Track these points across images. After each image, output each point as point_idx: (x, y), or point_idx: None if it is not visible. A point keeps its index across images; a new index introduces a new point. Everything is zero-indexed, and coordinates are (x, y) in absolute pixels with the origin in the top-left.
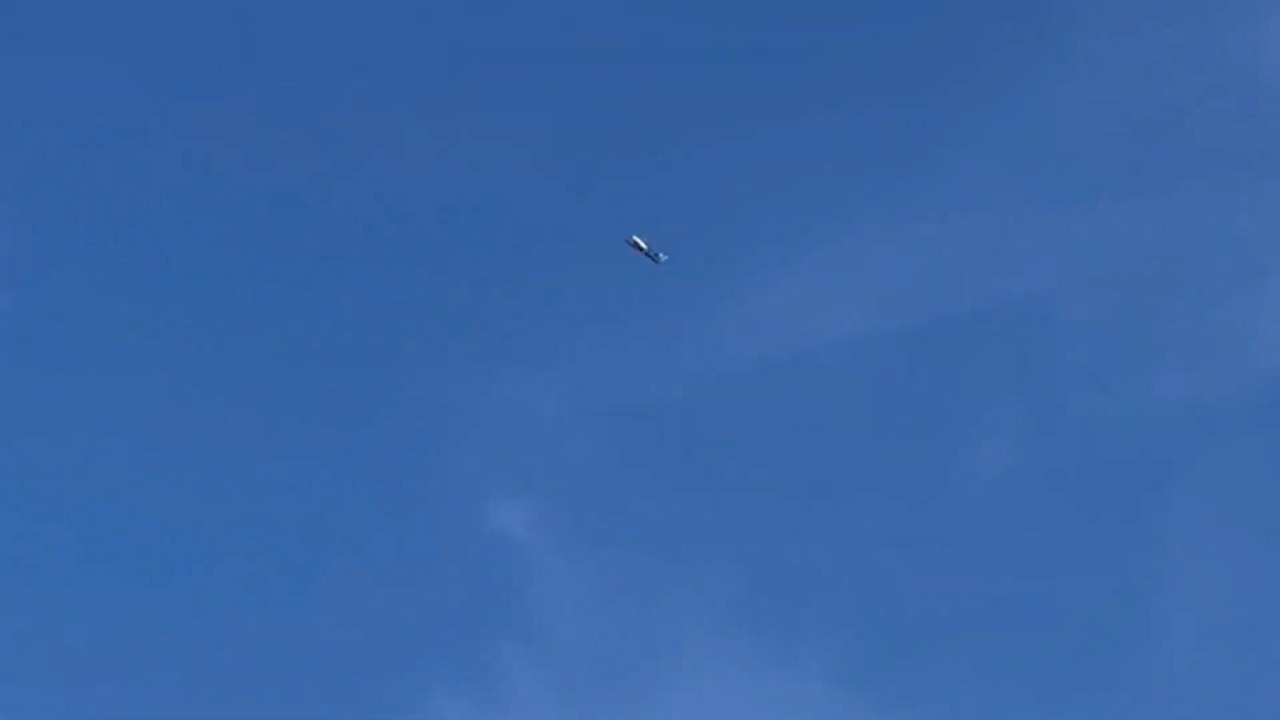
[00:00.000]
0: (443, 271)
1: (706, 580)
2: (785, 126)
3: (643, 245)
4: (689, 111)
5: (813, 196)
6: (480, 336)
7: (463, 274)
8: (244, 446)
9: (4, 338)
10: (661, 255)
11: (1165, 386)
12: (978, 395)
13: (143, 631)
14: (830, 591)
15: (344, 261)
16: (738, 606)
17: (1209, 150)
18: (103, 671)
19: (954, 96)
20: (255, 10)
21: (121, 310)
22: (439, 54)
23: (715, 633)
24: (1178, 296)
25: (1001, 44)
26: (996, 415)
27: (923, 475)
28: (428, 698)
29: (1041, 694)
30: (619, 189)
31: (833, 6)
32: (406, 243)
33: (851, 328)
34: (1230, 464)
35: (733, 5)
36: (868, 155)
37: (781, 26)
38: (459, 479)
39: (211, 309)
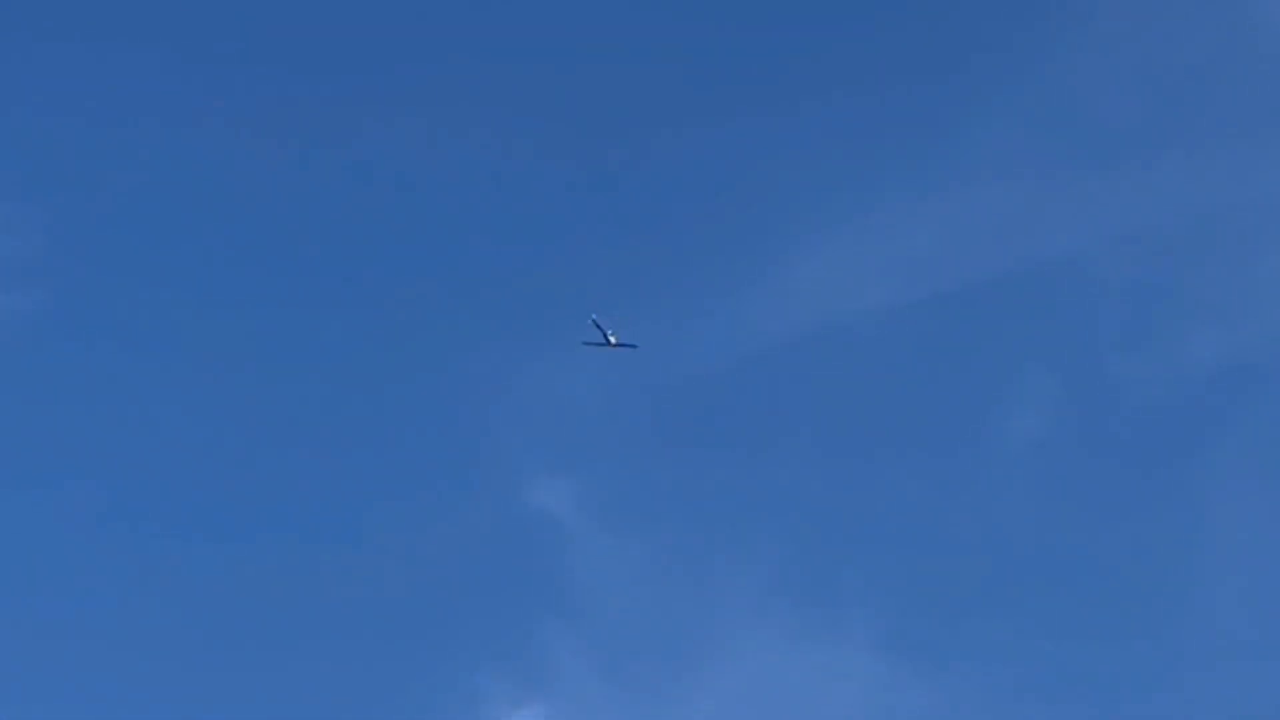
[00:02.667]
0: (478, 252)
1: (748, 552)
2: (812, 102)
3: (603, 330)
4: (719, 88)
5: (841, 169)
6: (516, 316)
7: (499, 254)
8: (282, 433)
9: (36, 332)
10: (611, 338)
11: (1200, 345)
12: (1013, 360)
13: (190, 612)
14: (872, 558)
15: (380, 245)
16: (780, 577)
17: (1234, 108)
18: (152, 663)
19: (974, 67)
20: (277, 9)
21: (153, 303)
22: (475, 37)
23: (759, 604)
24: (1209, 256)
25: (1023, 11)
26: (1032, 379)
27: (961, 441)
28: (473, 677)
29: (1085, 653)
30: (652, 167)
31: None
32: (443, 226)
33: (884, 297)
34: (1268, 421)
35: None
36: (895, 127)
37: (805, 3)
38: (499, 459)
39: (245, 299)
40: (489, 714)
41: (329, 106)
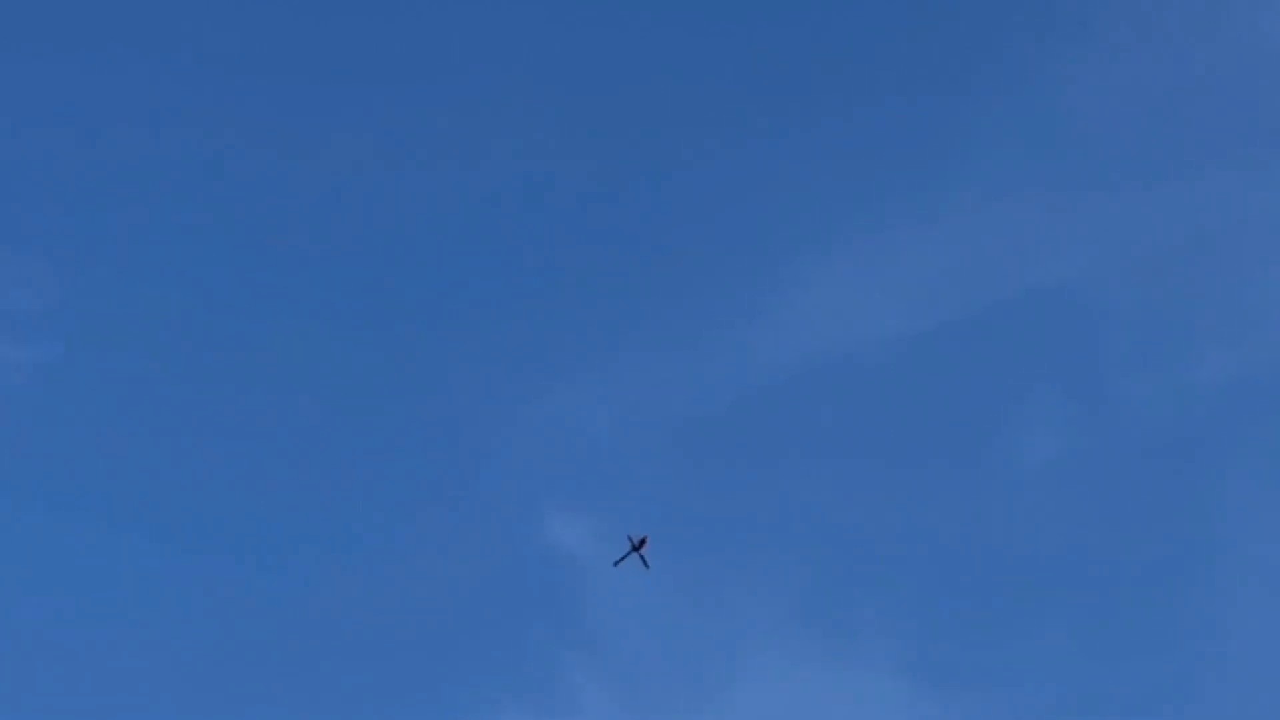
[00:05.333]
0: (490, 285)
1: (767, 581)
2: (811, 127)
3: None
4: (718, 115)
5: (842, 196)
6: (526, 353)
7: (510, 288)
8: (300, 472)
9: (53, 385)
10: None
11: (1208, 364)
12: (1022, 383)
13: (213, 644)
14: (890, 583)
15: (393, 281)
16: (799, 605)
17: (1239, 126)
18: (181, 694)
19: (976, 89)
20: (304, 41)
21: (169, 356)
22: (482, 61)
23: (779, 634)
24: (1214, 276)
25: (1021, 34)
26: (1042, 402)
27: (973, 464)
28: (496, 712)
29: (1104, 673)
30: (656, 197)
31: (856, 6)
32: (456, 261)
33: (890, 325)
34: (1278, 438)
35: (759, 6)
36: (894, 152)
37: (806, 26)
38: (516, 494)
39: (263, 346)
40: None
41: (351, 147)
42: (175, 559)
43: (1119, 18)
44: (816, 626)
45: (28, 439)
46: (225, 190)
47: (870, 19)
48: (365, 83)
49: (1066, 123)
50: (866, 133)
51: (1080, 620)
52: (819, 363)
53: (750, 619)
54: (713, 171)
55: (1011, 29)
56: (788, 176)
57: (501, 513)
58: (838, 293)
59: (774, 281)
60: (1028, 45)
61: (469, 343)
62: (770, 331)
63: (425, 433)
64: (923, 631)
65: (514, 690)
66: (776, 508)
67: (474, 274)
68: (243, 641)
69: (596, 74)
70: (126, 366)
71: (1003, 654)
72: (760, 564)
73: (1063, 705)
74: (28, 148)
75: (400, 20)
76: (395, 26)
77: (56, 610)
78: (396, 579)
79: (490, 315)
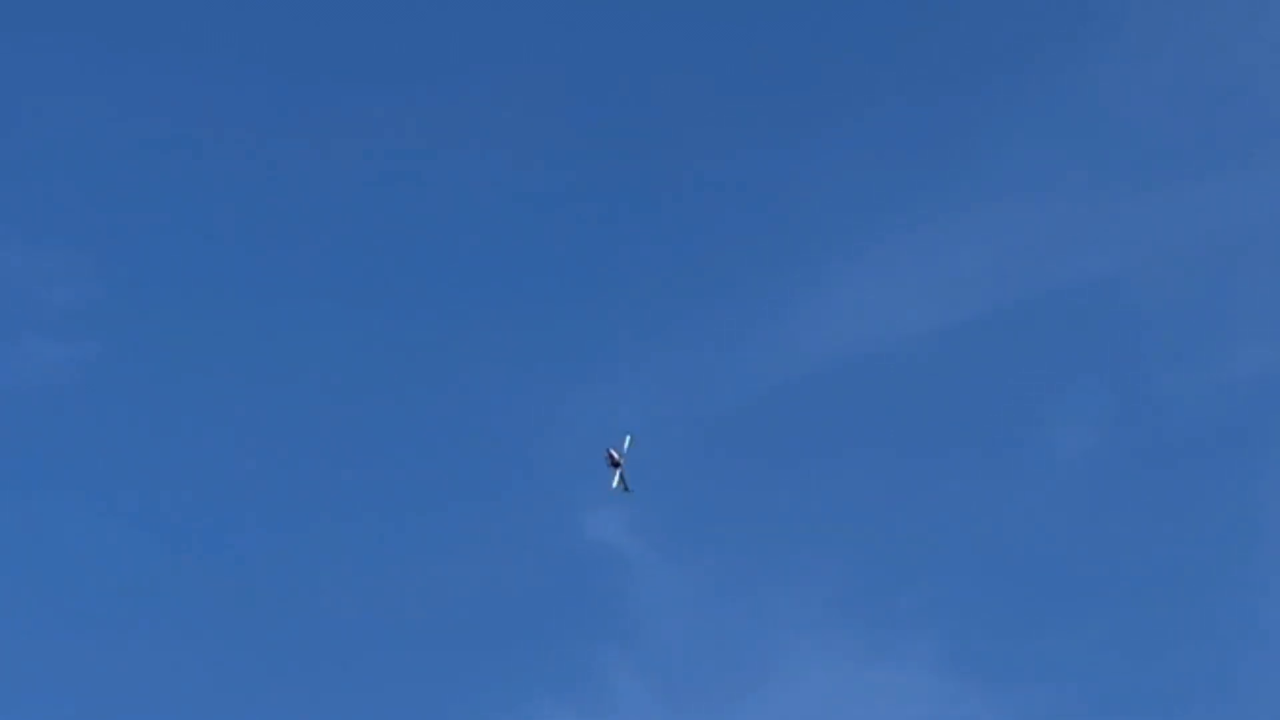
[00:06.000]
0: (523, 284)
1: (805, 574)
2: (846, 125)
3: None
4: (753, 114)
5: (876, 193)
6: (564, 351)
7: (543, 286)
8: (341, 472)
9: (92, 383)
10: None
11: (1243, 361)
12: (1061, 377)
13: (252, 639)
14: (929, 576)
15: (427, 283)
16: (838, 598)
17: (1272, 125)
18: (217, 689)
19: (1013, 83)
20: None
21: (210, 351)
22: (526, 57)
23: (817, 626)
24: (1251, 271)
25: (1057, 31)
26: (1081, 396)
27: (1009, 461)
28: (535, 706)
29: (1143, 666)
30: (694, 195)
31: (890, 5)
32: (491, 260)
33: (927, 319)
34: None
35: (794, 6)
36: (930, 149)
37: (842, 26)
38: (552, 492)
39: (304, 344)
40: None
41: (393, 148)
42: (214, 553)
43: (1155, 14)
44: (853, 620)
45: (66, 435)
46: (264, 191)
47: (905, 18)
48: (407, 81)
49: (1103, 119)
50: (901, 130)
51: (1118, 614)
52: (854, 358)
53: (787, 613)
54: (746, 170)
55: (1047, 26)
56: (822, 174)
57: (540, 509)
58: (872, 288)
59: (809, 277)
60: (1065, 42)
61: (507, 342)
62: (805, 327)
63: (465, 430)
64: (960, 625)
65: (552, 684)
66: (812, 502)
67: (513, 275)
68: (284, 634)
69: (636, 74)
70: (164, 364)
71: (1039, 647)
72: (796, 558)
73: (1098, 699)
74: (70, 147)
75: (449, 16)
76: (443, 23)
77: (95, 604)
78: (438, 574)
79: (528, 315)
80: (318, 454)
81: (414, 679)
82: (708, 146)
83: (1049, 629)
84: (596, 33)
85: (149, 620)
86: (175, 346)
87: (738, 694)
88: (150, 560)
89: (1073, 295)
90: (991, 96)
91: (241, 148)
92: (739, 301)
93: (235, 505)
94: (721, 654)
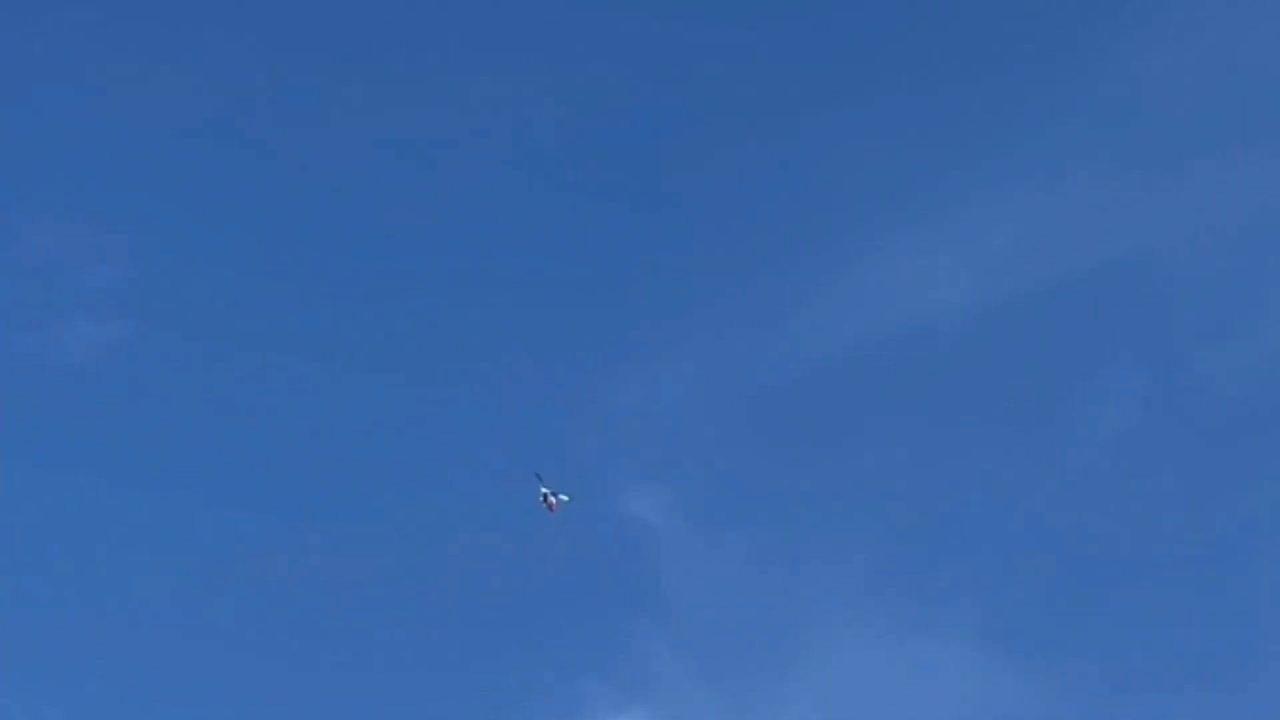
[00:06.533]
0: (563, 264)
1: (842, 550)
2: (884, 100)
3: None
4: (793, 91)
5: (915, 168)
6: (602, 328)
7: (582, 266)
8: (377, 446)
9: (125, 365)
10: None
11: None
12: (1097, 356)
13: (296, 615)
14: (966, 553)
15: (466, 258)
16: (875, 574)
17: None
18: (269, 663)
19: (1051, 61)
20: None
21: (245, 329)
22: (568, 35)
23: (855, 602)
24: None
25: (1092, 4)
26: (1117, 374)
27: (1047, 438)
28: (575, 683)
29: (1181, 643)
30: (730, 171)
31: None
32: (528, 237)
33: (964, 297)
34: None
35: None
36: (968, 124)
37: (873, 1)
38: (590, 469)
39: (335, 319)
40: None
41: (424, 121)
42: (252, 533)
43: None
44: (891, 596)
45: (101, 416)
46: (301, 171)
47: None
48: (444, 53)
49: (1141, 95)
50: (940, 104)
51: (1156, 590)
52: (890, 336)
53: (825, 588)
54: (782, 151)
55: (1082, 2)
56: (861, 149)
57: (578, 485)
58: (908, 267)
59: (847, 253)
60: (1100, 19)
61: (548, 322)
62: (844, 303)
63: (504, 407)
64: (1000, 600)
65: (589, 660)
66: (851, 478)
67: (555, 257)
68: (318, 611)
69: (670, 53)
70: (199, 344)
71: (1076, 623)
72: (833, 534)
73: (1135, 675)
74: (104, 124)
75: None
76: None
77: (132, 584)
78: (476, 549)
79: (569, 296)
80: (356, 433)
81: (453, 657)
82: (743, 127)
83: (1086, 605)
84: (630, 8)
85: (186, 596)
86: (211, 325)
87: (775, 669)
88: (186, 536)
89: (1108, 273)
90: (1026, 74)
91: (279, 126)
92: (774, 281)
93: (271, 482)
94: (759, 629)
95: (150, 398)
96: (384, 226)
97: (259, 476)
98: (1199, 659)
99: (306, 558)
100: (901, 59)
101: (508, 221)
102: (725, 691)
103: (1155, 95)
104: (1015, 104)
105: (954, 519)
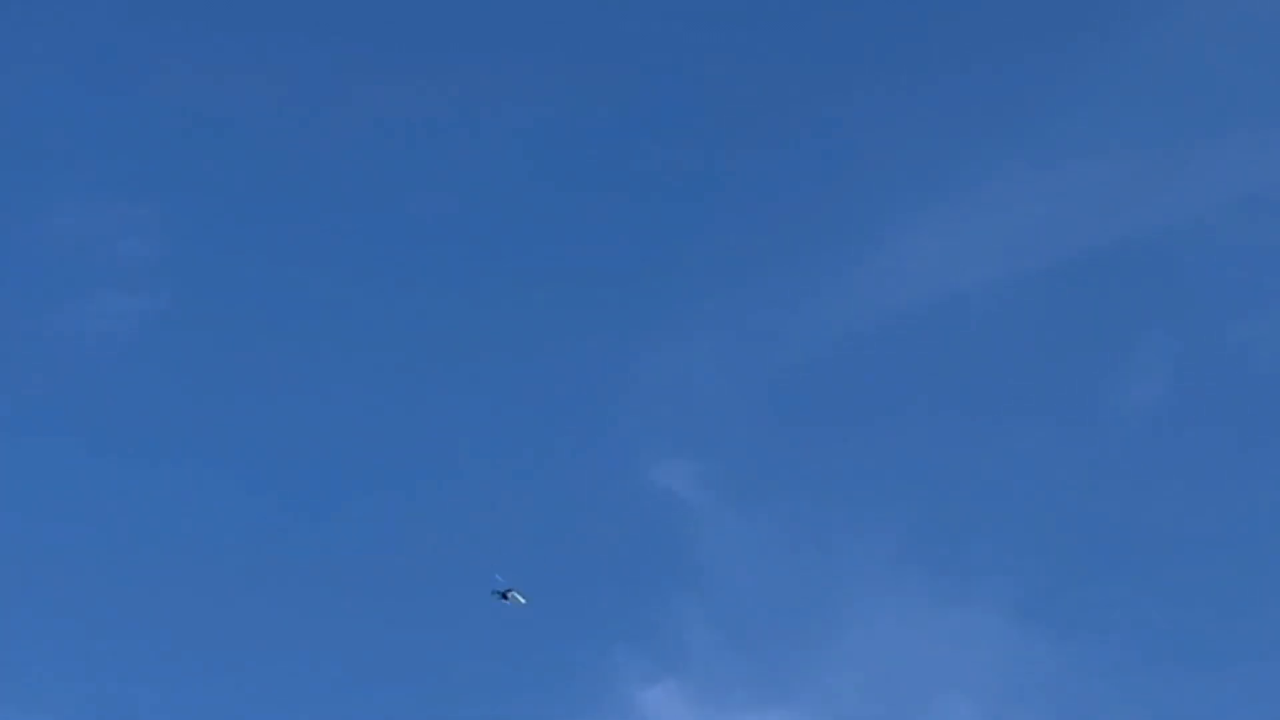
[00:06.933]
0: (596, 241)
1: (874, 523)
2: (918, 74)
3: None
4: (828, 65)
5: (952, 141)
6: (635, 304)
7: (615, 243)
8: (413, 424)
9: (158, 338)
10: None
11: None
12: (1132, 328)
13: (329, 594)
14: (998, 526)
15: (498, 237)
16: (907, 546)
17: None
18: (298, 645)
19: (1082, 35)
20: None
21: (276, 302)
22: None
23: (888, 574)
24: None
25: None
26: (1152, 347)
27: (1082, 408)
28: (609, 654)
29: (1213, 618)
30: (763, 147)
31: None
32: (563, 215)
33: (998, 269)
34: None
35: None
36: (1004, 97)
37: None
38: (622, 444)
39: (368, 294)
40: (624, 690)
41: (458, 101)
42: (284, 508)
43: None
44: (923, 568)
45: (134, 388)
46: (329, 142)
47: None
48: (476, 32)
49: (1172, 68)
50: (971, 79)
51: (1189, 564)
52: (923, 310)
53: (858, 560)
54: (817, 120)
55: None
56: (892, 124)
57: (612, 459)
58: (942, 239)
59: (878, 230)
60: None
61: (583, 298)
62: (875, 278)
63: (539, 383)
64: (1033, 573)
65: (622, 631)
66: (882, 452)
67: (589, 233)
68: (348, 586)
69: (706, 32)
70: (232, 317)
71: (1109, 596)
72: (868, 506)
73: (1169, 647)
74: (134, 102)
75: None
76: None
77: (162, 556)
78: (511, 523)
79: (603, 271)
80: (389, 408)
81: (488, 629)
82: (775, 110)
83: (1119, 577)
84: None
85: (216, 569)
86: (243, 299)
87: (807, 641)
88: (218, 510)
89: (1140, 246)
90: (1061, 44)
91: (309, 102)
92: (806, 258)
93: (305, 457)
94: (791, 601)
95: (181, 370)
96: (419, 207)
97: (293, 449)
98: (1232, 632)
99: (336, 534)
100: (934, 39)
101: (550, 208)
102: (758, 663)
103: (1187, 68)
104: (1046, 80)
105: (987, 492)
